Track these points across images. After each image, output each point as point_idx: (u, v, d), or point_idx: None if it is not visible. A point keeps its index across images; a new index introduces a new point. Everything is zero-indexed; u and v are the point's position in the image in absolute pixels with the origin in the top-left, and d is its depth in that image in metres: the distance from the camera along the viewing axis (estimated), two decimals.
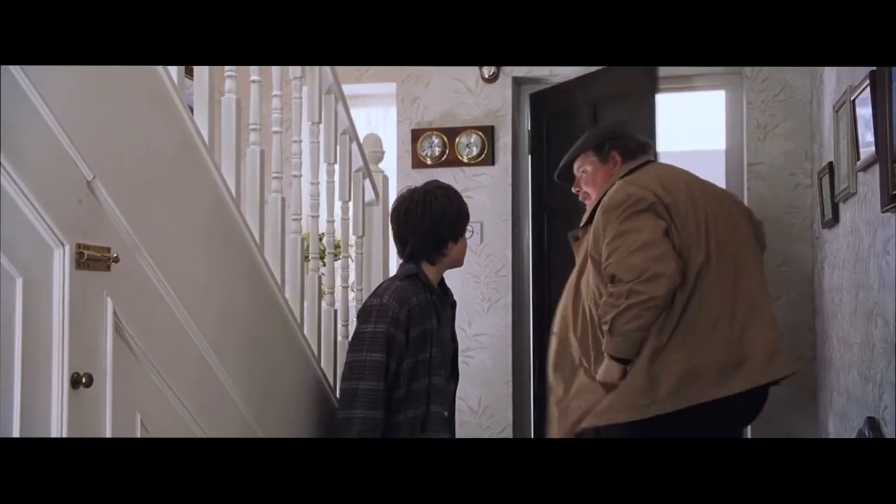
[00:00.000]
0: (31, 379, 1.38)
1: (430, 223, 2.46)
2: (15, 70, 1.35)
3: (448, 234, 2.49)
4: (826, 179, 3.32)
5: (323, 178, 2.80)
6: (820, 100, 3.62)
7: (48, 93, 1.42)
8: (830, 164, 3.25)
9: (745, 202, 3.95)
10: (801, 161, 3.87)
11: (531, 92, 4.34)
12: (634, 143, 2.68)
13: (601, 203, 2.52)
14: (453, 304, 2.66)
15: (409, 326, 2.37)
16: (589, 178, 2.68)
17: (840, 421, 3.28)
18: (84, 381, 1.47)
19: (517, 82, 4.28)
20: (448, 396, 2.55)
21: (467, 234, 2.63)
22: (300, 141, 2.61)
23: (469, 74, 4.22)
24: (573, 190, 2.73)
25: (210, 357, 1.95)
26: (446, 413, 2.47)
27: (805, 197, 3.86)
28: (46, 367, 1.42)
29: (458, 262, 2.59)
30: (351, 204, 2.96)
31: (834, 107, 3.15)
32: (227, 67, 2.18)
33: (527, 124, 4.33)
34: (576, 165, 2.72)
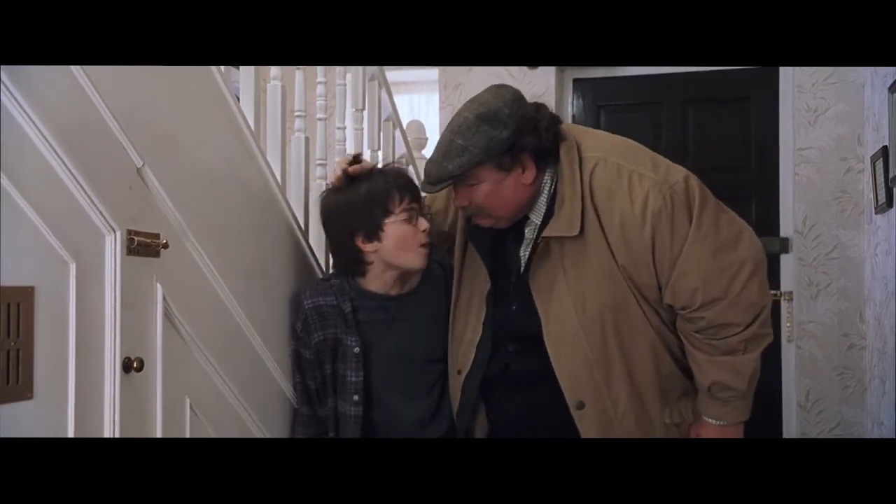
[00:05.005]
0: (85, 363, 1.40)
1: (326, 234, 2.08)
2: None
3: (343, 236, 1.98)
4: (880, 163, 3.24)
5: None
6: (874, 81, 3.53)
7: (99, 80, 1.43)
8: (885, 147, 3.17)
9: (794, 187, 3.88)
10: (853, 145, 3.78)
11: (575, 77, 4.30)
12: (548, 135, 1.77)
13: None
14: (412, 309, 2.03)
15: (311, 337, 2.01)
16: (488, 193, 1.76)
17: (891, 410, 3.21)
18: (135, 365, 1.49)
19: (560, 68, 4.24)
20: (374, 425, 2.00)
21: (415, 220, 1.95)
22: (344, 128, 2.61)
23: None
24: (458, 204, 1.84)
25: (256, 342, 1.96)
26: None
27: (857, 182, 3.77)
28: (99, 352, 1.44)
29: (396, 260, 1.95)
30: None
31: (889, 88, 3.07)
32: None
33: (570, 110, 4.29)
34: (462, 177, 1.77)
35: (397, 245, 1.93)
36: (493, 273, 1.89)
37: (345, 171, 1.99)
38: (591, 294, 1.76)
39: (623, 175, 1.74)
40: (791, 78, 3.91)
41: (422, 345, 2.03)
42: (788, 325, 3.85)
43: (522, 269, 1.85)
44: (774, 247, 3.86)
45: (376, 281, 2.00)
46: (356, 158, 2.04)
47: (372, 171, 1.99)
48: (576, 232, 1.74)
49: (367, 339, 2.01)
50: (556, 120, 1.80)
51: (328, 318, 2.00)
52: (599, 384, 1.78)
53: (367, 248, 1.95)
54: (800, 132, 3.87)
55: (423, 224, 1.96)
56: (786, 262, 3.91)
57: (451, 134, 1.74)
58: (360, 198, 1.93)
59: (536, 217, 1.82)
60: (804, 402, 3.84)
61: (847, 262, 3.78)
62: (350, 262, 2.00)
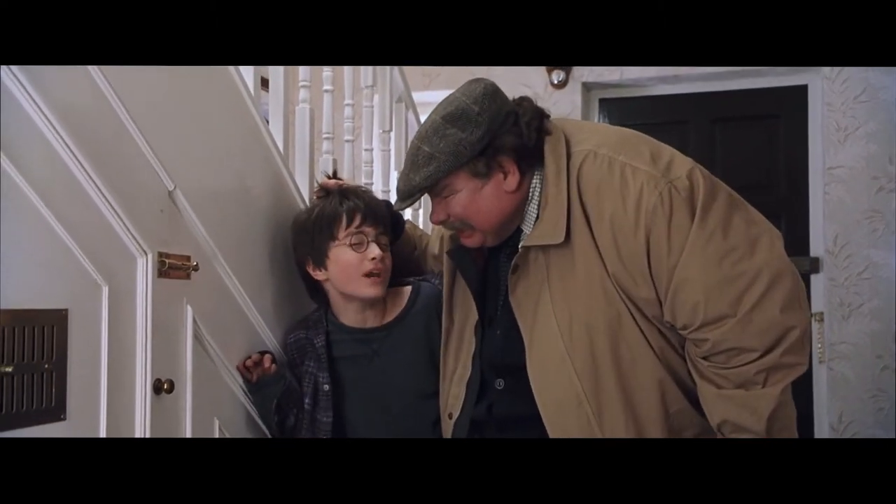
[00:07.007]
0: (117, 385, 1.41)
1: None
2: (100, 82, 1.39)
3: (297, 262, 1.88)
4: None
5: (394, 185, 2.81)
6: None
7: (132, 105, 1.45)
8: None
9: (824, 206, 3.83)
10: (884, 164, 3.74)
11: (601, 97, 4.29)
12: (531, 132, 1.52)
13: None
14: (390, 348, 1.84)
15: (294, 371, 1.89)
16: (466, 204, 1.52)
17: None
18: (166, 387, 1.51)
19: (587, 87, 4.24)
20: None
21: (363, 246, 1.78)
22: (371, 149, 2.63)
23: (537, 80, 4.19)
24: (435, 220, 1.60)
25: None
26: None
27: (888, 201, 3.72)
28: (130, 374, 1.46)
29: (345, 289, 1.80)
30: (421, 212, 2.97)
31: None
32: (300, 78, 2.21)
33: None
34: (434, 189, 1.54)
35: (340, 273, 1.78)
36: (482, 299, 1.65)
37: (320, 186, 1.90)
38: (578, 311, 1.49)
39: (615, 169, 1.47)
40: (820, 96, 3.88)
41: (414, 379, 1.81)
42: (820, 346, 3.80)
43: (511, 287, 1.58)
44: (805, 267, 3.81)
45: (345, 313, 1.85)
46: (333, 174, 1.98)
47: (337, 191, 1.85)
48: (560, 239, 1.47)
49: (344, 376, 1.85)
50: (540, 114, 1.55)
51: (306, 353, 1.87)
52: (590, 420, 1.48)
53: (318, 275, 1.82)
54: (829, 151, 3.83)
55: (374, 251, 1.77)
56: (816, 282, 3.86)
57: (418, 141, 1.51)
58: (310, 221, 1.81)
59: (528, 227, 1.55)
60: (836, 424, 3.77)
61: (879, 282, 3.73)
62: (311, 291, 1.89)
